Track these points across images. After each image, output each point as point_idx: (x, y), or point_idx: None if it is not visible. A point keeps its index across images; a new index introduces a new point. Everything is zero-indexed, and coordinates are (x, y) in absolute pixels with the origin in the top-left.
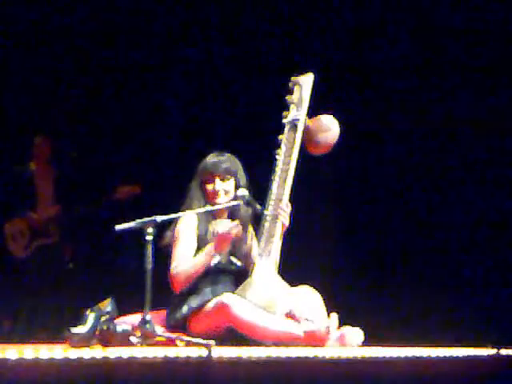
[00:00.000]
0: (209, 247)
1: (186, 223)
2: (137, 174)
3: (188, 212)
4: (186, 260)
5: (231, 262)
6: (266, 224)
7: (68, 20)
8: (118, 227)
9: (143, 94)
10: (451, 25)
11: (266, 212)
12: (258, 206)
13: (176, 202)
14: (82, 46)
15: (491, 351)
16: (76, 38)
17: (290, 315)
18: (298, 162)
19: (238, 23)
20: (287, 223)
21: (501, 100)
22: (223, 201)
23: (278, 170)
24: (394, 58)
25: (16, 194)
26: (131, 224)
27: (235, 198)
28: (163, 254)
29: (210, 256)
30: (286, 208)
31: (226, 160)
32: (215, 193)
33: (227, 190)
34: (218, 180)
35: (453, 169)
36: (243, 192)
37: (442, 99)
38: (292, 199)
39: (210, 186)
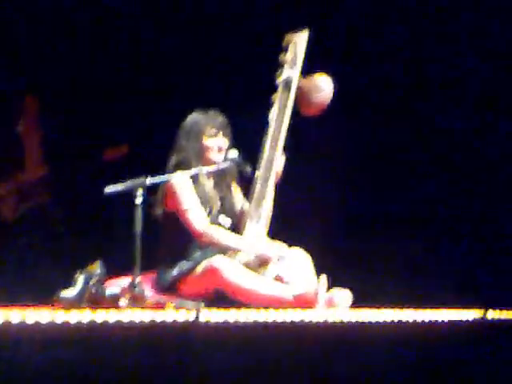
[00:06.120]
0: (250, 246)
1: (184, 182)
2: (125, 134)
3: (180, 173)
4: (205, 217)
5: (220, 223)
6: (257, 186)
7: None
8: (108, 189)
9: (131, 54)
10: None
11: (257, 173)
12: (248, 168)
13: (164, 164)
14: (70, 5)
15: (478, 314)
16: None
17: (279, 278)
18: (290, 123)
19: None
20: (280, 171)
21: None
22: (220, 157)
23: (271, 130)
24: (392, 19)
25: (3, 155)
26: (121, 186)
27: (226, 159)
28: (152, 217)
29: (245, 250)
30: (280, 157)
31: (225, 118)
32: (219, 148)
33: (227, 147)
34: (221, 135)
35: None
36: (234, 153)
37: (439, 59)
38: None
39: (212, 142)
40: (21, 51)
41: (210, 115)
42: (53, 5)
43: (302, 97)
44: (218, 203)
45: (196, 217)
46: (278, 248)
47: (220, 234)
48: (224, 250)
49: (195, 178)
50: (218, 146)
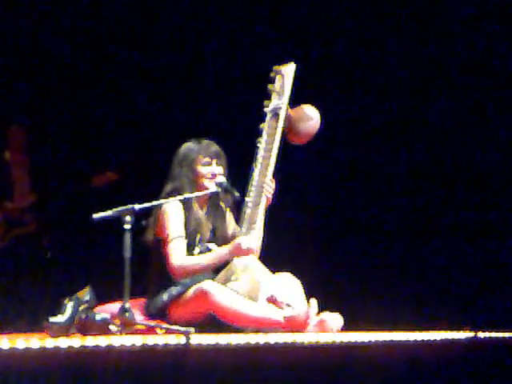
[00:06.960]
0: (221, 253)
1: (175, 210)
2: (114, 161)
3: (170, 200)
4: (183, 251)
5: (209, 250)
6: (248, 211)
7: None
8: (96, 216)
9: (120, 81)
10: None
11: (247, 199)
12: (236, 193)
13: (154, 189)
14: (55, 35)
15: (469, 334)
16: (50, 28)
17: (270, 301)
18: (279, 150)
19: (221, 14)
20: (270, 196)
21: None
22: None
23: (260, 157)
24: (375, 49)
25: None
26: (109, 212)
27: (214, 185)
28: (141, 242)
29: (220, 261)
30: (270, 183)
31: (218, 147)
32: (212, 175)
33: (221, 174)
34: (214, 163)
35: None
36: (221, 179)
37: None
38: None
39: (205, 169)
40: (6, 80)
41: (203, 144)
42: (38, 34)
43: (290, 126)
44: (210, 232)
45: (174, 249)
46: (255, 238)
47: (193, 259)
48: (211, 275)
49: (188, 207)
50: (212, 173)
